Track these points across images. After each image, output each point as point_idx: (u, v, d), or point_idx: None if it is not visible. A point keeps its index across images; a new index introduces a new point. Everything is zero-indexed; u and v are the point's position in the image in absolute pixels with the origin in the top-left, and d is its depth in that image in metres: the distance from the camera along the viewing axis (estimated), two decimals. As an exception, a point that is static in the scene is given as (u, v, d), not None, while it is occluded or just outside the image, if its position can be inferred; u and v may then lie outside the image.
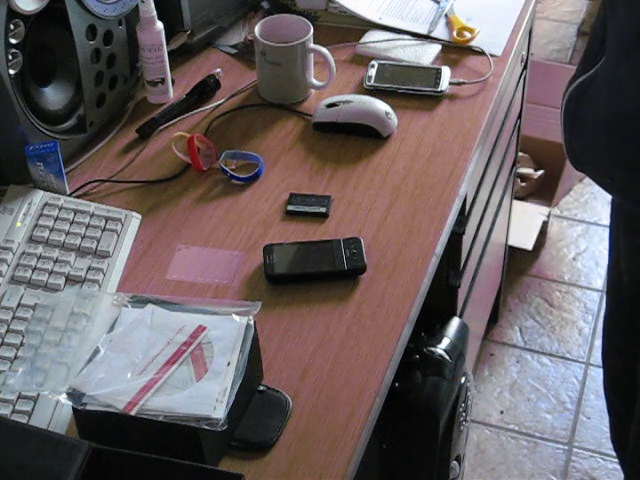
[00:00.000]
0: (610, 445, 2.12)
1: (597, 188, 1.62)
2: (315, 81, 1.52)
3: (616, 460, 2.12)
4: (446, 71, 1.53)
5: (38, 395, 1.08)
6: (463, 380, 1.56)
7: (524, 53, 1.81)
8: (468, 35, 1.60)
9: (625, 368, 1.51)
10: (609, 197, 1.56)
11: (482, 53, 1.58)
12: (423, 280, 1.23)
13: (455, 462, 1.60)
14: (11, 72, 1.25)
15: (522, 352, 2.39)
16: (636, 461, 1.51)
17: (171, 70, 1.52)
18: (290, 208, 1.33)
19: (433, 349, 1.52)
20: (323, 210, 1.32)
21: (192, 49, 1.61)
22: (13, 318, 1.16)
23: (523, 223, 2.53)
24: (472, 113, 1.48)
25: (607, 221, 1.80)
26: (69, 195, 1.34)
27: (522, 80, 1.89)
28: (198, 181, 1.39)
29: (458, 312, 1.69)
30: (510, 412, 2.26)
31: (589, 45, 1.34)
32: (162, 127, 1.47)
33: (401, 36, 1.63)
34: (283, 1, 1.72)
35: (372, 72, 1.54)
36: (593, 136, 1.20)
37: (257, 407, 1.08)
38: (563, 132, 1.27)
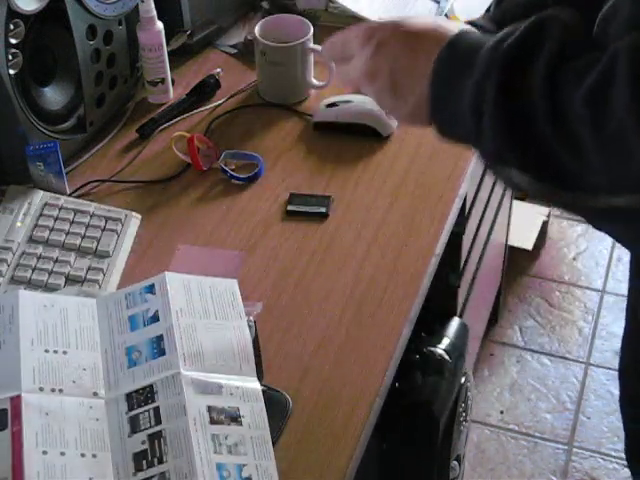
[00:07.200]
0: (610, 445, 2.13)
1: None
2: (315, 81, 1.52)
3: (616, 460, 2.12)
4: (446, 71, 1.53)
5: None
6: (463, 380, 1.56)
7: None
8: (468, 35, 1.60)
9: None
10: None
11: (482, 53, 1.58)
12: (423, 280, 1.23)
13: (455, 462, 1.60)
14: (11, 72, 1.25)
15: (522, 352, 2.38)
16: None
17: (171, 70, 1.52)
18: (290, 208, 1.33)
19: (433, 349, 1.52)
20: (323, 210, 1.32)
21: (192, 49, 1.61)
22: (13, 318, 1.15)
23: (523, 223, 2.53)
24: (472, 113, 1.48)
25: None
26: (69, 195, 1.34)
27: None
28: (198, 181, 1.39)
29: (458, 312, 1.69)
30: (510, 412, 2.25)
31: None
32: (162, 127, 1.47)
33: (401, 36, 1.63)
34: (283, 1, 1.72)
35: (372, 72, 1.53)
36: None
37: (257, 407, 1.07)
38: None
